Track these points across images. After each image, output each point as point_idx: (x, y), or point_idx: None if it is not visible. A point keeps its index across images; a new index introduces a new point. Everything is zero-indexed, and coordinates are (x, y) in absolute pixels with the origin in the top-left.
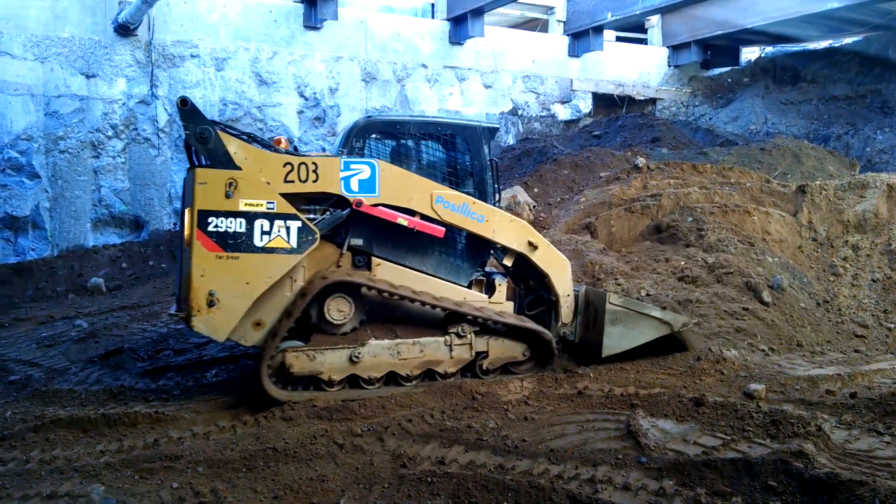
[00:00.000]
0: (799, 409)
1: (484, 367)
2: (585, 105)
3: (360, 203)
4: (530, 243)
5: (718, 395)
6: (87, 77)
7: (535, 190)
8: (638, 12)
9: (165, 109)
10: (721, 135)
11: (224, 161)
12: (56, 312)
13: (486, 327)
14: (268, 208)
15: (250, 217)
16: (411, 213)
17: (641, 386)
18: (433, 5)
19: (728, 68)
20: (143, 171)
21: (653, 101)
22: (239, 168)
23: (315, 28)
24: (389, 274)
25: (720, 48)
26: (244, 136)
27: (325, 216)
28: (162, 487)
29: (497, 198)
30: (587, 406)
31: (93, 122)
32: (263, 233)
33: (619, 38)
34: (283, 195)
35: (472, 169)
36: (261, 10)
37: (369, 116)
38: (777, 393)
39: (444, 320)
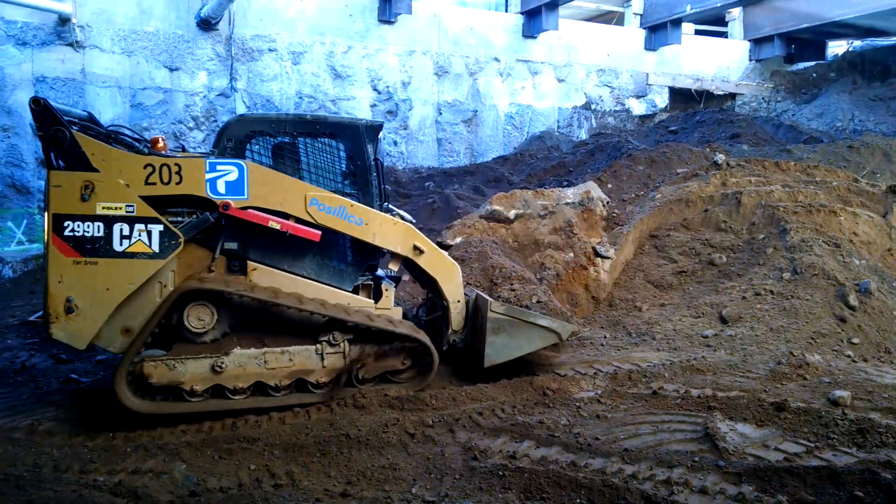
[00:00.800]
0: (887, 419)
1: (360, 377)
2: (661, 100)
3: (226, 206)
4: (416, 247)
5: (801, 401)
6: (171, 70)
7: (609, 186)
8: (719, 5)
9: (244, 102)
10: (805, 131)
11: (81, 163)
12: None
13: (361, 334)
14: (127, 212)
15: (108, 221)
16: (286, 215)
17: (719, 388)
18: None
19: (813, 63)
20: None
21: (732, 96)
22: (97, 170)
23: (389, 22)
24: (266, 279)
25: (805, 42)
26: (104, 137)
27: (191, 219)
28: (240, 468)
29: (383, 199)
30: (662, 407)
31: (175, 113)
32: (123, 237)
33: (697, 32)
34: (144, 198)
35: (355, 169)
36: (337, 4)
37: (242, 115)
38: (863, 401)
39: (315, 327)
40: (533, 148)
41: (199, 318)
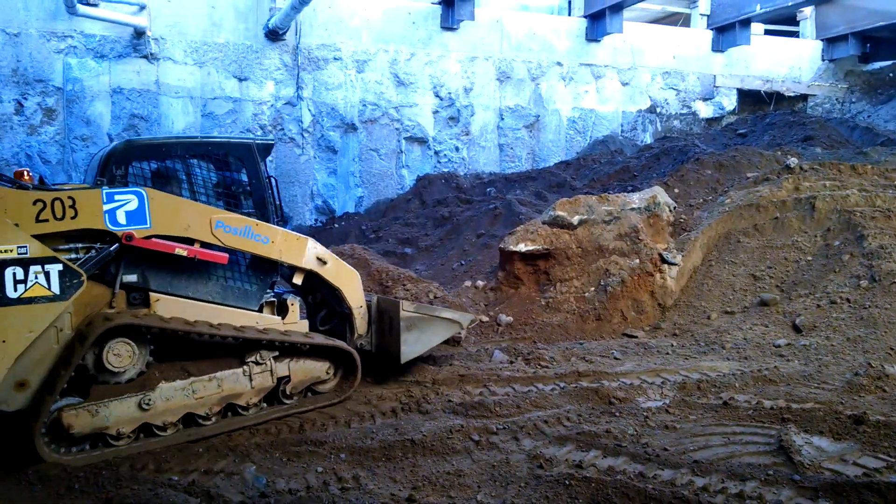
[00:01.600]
0: None
1: (287, 392)
2: (729, 102)
3: (130, 237)
4: (319, 259)
5: (880, 414)
6: (240, 80)
7: (676, 190)
8: (790, 4)
9: (309, 111)
10: (882, 133)
11: None
12: None
13: (286, 350)
14: (19, 254)
15: None
16: (190, 241)
17: (793, 400)
18: (570, 2)
19: (890, 62)
20: (287, 169)
21: (804, 97)
22: None
23: (451, 29)
24: (170, 308)
25: (881, 40)
26: None
27: (89, 255)
28: (308, 470)
29: (279, 215)
30: (733, 418)
31: (244, 122)
32: (17, 282)
33: (767, 32)
34: (37, 236)
35: (251, 188)
36: (400, 12)
37: (129, 140)
38: None
39: (240, 349)
40: (596, 152)
41: (117, 355)
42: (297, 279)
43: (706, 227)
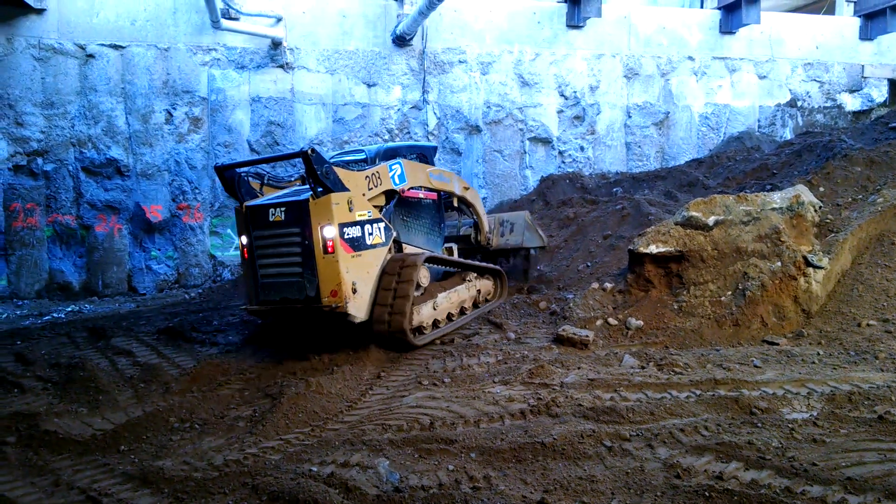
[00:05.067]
0: None
1: (480, 299)
2: (879, 93)
3: (403, 191)
4: (465, 188)
5: None
6: (369, 86)
7: (821, 189)
8: None
9: (434, 114)
10: None
11: (339, 186)
12: None
13: (479, 273)
14: (368, 216)
15: (362, 224)
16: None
17: None
18: None
19: None
20: None
21: None
22: (348, 190)
23: (577, 27)
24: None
25: None
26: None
27: (387, 206)
28: (439, 468)
29: None
30: (890, 433)
31: (372, 126)
32: (368, 234)
33: None
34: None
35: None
36: (525, 13)
37: (386, 147)
38: None
39: (462, 274)
40: (730, 150)
41: (425, 276)
42: (455, 202)
43: (856, 229)
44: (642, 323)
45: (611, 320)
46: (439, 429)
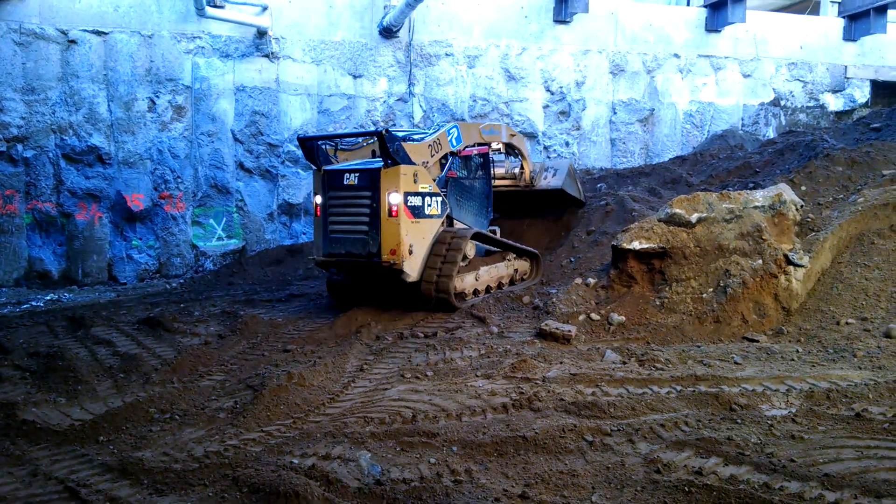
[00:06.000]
0: None
1: (516, 278)
2: (861, 94)
3: (459, 151)
4: (511, 134)
5: None
6: (354, 77)
7: (803, 188)
8: None
9: (420, 106)
10: None
11: (407, 160)
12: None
13: (516, 253)
14: (430, 190)
15: (423, 195)
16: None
17: None
18: None
19: None
20: None
21: None
22: (414, 163)
23: (564, 22)
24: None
25: None
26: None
27: (446, 164)
28: (421, 461)
29: None
30: (867, 430)
31: (357, 118)
32: (427, 205)
33: None
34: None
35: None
36: (513, 6)
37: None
38: None
39: (502, 253)
40: (714, 147)
41: (471, 248)
42: (502, 148)
43: (836, 228)
44: (624, 319)
45: (593, 315)
46: (421, 422)
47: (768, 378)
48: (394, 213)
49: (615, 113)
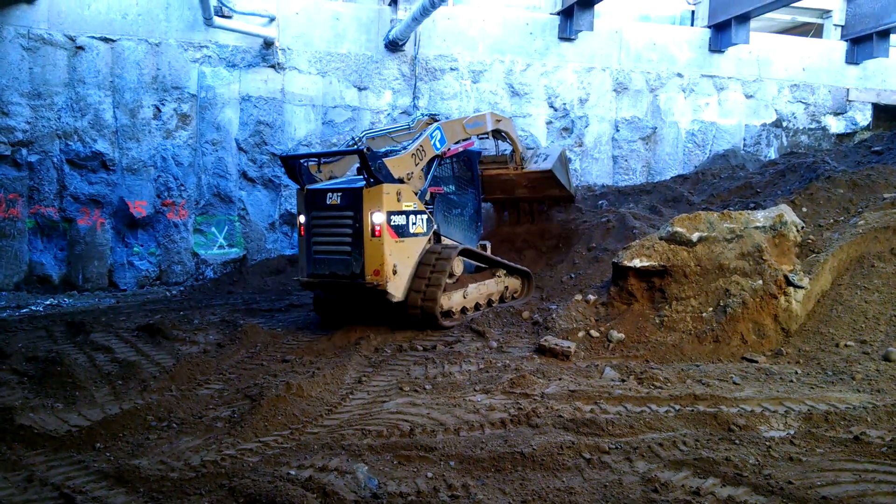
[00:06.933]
0: None
1: (507, 295)
2: (863, 117)
3: (444, 154)
4: (497, 120)
5: None
6: (359, 89)
7: (804, 209)
8: None
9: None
10: None
11: (390, 178)
12: None
13: (507, 270)
14: (414, 208)
15: (407, 214)
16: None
17: None
18: (693, 13)
19: None
20: None
21: None
22: (400, 181)
23: (569, 39)
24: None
25: None
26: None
27: (429, 170)
28: (418, 475)
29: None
30: (865, 454)
31: (361, 130)
32: (412, 224)
33: None
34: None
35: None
36: (518, 23)
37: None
38: None
39: (492, 269)
40: (716, 167)
41: (458, 265)
42: (490, 136)
43: (837, 250)
44: (624, 336)
45: (593, 332)
46: (419, 436)
47: (767, 399)
48: (377, 233)
49: (618, 130)
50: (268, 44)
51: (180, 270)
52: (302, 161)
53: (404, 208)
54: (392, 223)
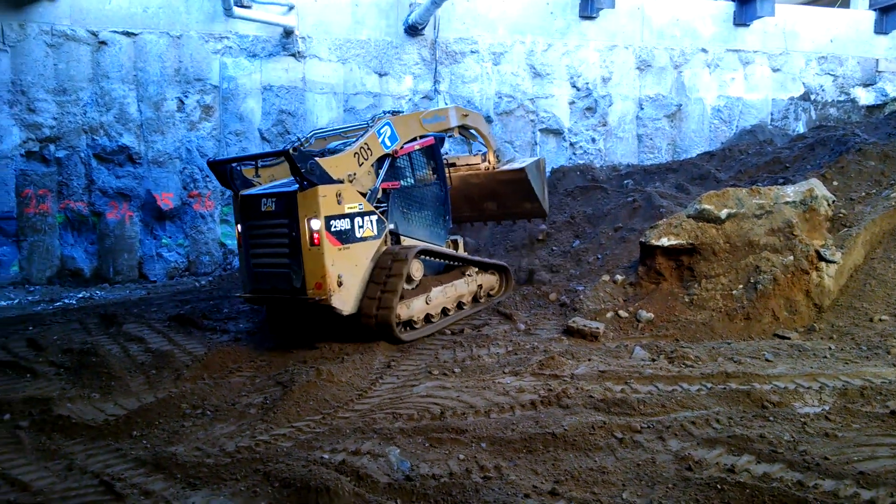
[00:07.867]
0: None
1: (481, 294)
2: (893, 88)
3: (395, 152)
4: (463, 115)
5: None
6: (380, 75)
7: (835, 183)
8: None
9: (446, 103)
10: None
11: (326, 179)
12: None
13: (481, 268)
14: (359, 209)
15: (352, 217)
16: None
17: None
18: None
19: None
20: None
21: None
22: (339, 181)
23: (591, 17)
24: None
25: None
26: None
27: (380, 169)
28: (450, 457)
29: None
30: None
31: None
32: (359, 227)
33: None
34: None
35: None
36: (538, 3)
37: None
38: None
39: (462, 268)
40: (743, 143)
41: (417, 269)
42: (456, 132)
43: (869, 223)
44: (653, 315)
45: (621, 312)
46: (450, 418)
47: (800, 375)
48: (315, 242)
49: (642, 109)
50: (287, 32)
51: (208, 261)
52: (234, 165)
53: (347, 211)
54: (332, 229)
